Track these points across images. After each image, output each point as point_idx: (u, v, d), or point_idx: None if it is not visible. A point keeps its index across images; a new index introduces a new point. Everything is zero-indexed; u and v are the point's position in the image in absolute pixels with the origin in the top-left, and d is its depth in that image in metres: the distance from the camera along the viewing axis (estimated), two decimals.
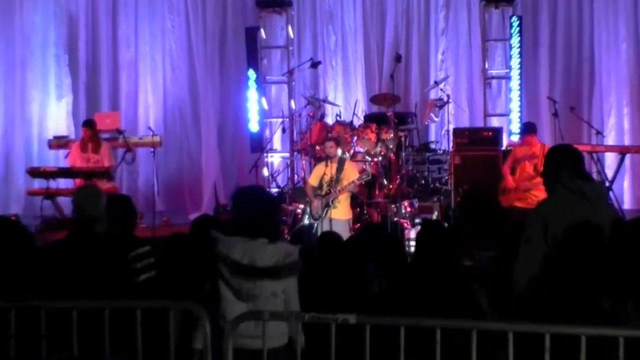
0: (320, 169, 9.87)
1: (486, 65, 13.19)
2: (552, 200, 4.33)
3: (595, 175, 10.75)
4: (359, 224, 9.91)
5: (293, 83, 13.39)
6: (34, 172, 11.41)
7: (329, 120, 12.50)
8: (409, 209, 10.87)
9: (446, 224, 9.30)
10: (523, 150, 10.35)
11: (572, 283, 3.79)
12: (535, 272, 4.03)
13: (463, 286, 4.06)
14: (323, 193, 9.68)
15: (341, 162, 9.78)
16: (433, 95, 12.93)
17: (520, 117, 12.71)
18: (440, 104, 12.28)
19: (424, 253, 4.27)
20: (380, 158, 11.20)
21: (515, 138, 12.33)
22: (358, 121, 12.05)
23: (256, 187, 4.91)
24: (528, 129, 10.51)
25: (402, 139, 11.68)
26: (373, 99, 12.56)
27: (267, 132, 13.46)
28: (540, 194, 8.63)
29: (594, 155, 11.40)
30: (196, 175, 13.63)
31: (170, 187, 13.39)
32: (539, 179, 8.63)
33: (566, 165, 4.32)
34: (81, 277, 4.37)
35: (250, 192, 4.51)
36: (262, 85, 13.35)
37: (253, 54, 13.19)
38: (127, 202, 5.20)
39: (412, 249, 10.33)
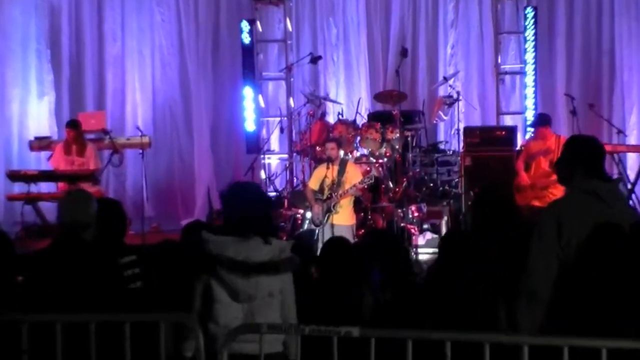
0: (321, 171, 9.88)
1: (499, 60, 13.20)
2: (567, 199, 4.32)
3: (615, 177, 10.75)
4: (363, 230, 9.93)
5: (292, 79, 13.43)
6: (14, 176, 11.42)
7: (330, 119, 12.53)
8: (416, 214, 10.88)
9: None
10: (537, 144, 10.31)
11: (588, 287, 3.81)
12: (551, 271, 4.03)
13: (474, 291, 4.08)
14: (324, 197, 9.70)
15: (343, 164, 9.79)
16: (442, 92, 12.94)
17: (535, 115, 12.71)
18: (450, 102, 12.30)
19: (445, 261, 4.29)
20: (385, 159, 11.22)
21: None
22: (361, 120, 12.08)
23: (249, 183, 4.92)
24: (542, 120, 10.47)
25: (409, 139, 11.71)
26: (377, 96, 12.58)
27: (264, 132, 13.50)
28: (558, 191, 8.58)
29: (615, 155, 11.39)
30: (188, 178, 13.65)
31: (160, 191, 13.40)
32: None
33: (583, 159, 4.21)
34: (67, 288, 4.38)
35: (242, 189, 4.51)
36: (259, 81, 13.39)
37: (249, 49, 13.22)
38: (117, 207, 5.22)
39: (420, 257, 10.41)
